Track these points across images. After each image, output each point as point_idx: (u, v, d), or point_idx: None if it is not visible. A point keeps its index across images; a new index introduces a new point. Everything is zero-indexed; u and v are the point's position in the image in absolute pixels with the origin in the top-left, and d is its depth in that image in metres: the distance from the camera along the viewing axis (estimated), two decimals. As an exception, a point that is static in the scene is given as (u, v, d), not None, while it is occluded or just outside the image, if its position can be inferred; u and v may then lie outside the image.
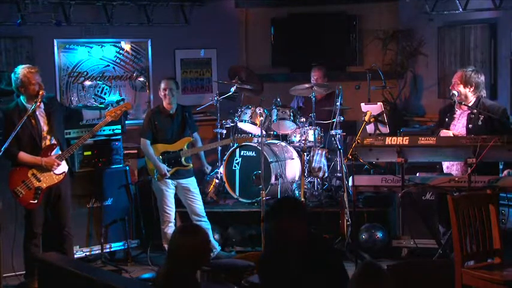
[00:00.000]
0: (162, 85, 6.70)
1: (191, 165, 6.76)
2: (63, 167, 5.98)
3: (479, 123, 5.89)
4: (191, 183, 6.78)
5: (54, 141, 5.94)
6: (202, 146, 6.93)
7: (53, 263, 4.02)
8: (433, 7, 8.39)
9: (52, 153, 5.92)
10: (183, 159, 6.68)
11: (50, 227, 6.08)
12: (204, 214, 6.80)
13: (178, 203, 6.86)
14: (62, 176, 5.98)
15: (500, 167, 6.47)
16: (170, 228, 6.69)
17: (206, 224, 6.71)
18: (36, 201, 5.86)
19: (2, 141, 5.74)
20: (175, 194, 6.80)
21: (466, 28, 8.26)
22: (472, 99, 5.96)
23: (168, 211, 6.72)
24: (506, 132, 5.73)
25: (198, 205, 6.78)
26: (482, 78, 6.01)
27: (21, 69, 5.87)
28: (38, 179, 5.87)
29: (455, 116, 6.06)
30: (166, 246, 6.64)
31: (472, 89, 5.93)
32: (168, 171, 6.63)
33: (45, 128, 5.92)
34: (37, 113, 5.90)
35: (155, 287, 3.89)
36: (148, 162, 6.78)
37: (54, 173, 5.92)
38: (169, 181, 6.69)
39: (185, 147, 6.71)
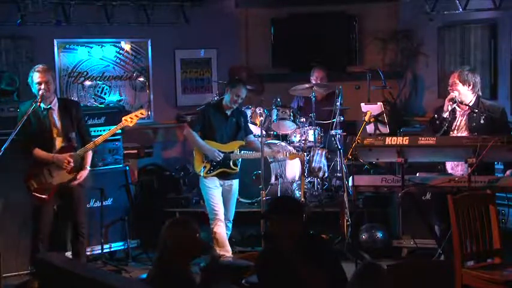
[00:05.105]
0: (242, 92, 6.43)
1: (237, 168, 6.60)
2: (77, 168, 5.95)
3: (482, 121, 5.88)
4: (234, 184, 6.62)
5: (69, 143, 5.92)
6: (253, 153, 6.60)
7: (53, 263, 4.01)
8: (433, 7, 8.39)
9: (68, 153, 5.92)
10: (231, 161, 6.52)
11: (56, 227, 6.08)
12: (232, 219, 6.63)
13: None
14: (73, 176, 5.94)
15: (501, 166, 6.47)
16: (220, 228, 6.44)
17: (227, 229, 6.57)
18: (46, 196, 5.87)
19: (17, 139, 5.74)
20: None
21: (466, 28, 8.27)
22: (471, 97, 5.95)
23: (217, 208, 6.46)
24: (506, 132, 5.73)
25: (231, 207, 6.62)
26: (478, 78, 6.01)
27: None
28: (51, 175, 5.89)
29: (455, 116, 6.05)
30: (217, 248, 6.35)
31: (470, 87, 5.93)
32: (213, 170, 6.46)
33: (54, 129, 5.93)
34: (53, 113, 5.90)
35: (148, 285, 3.89)
36: (196, 157, 6.53)
37: (66, 172, 5.91)
38: (215, 178, 6.50)
39: (236, 150, 6.56)
